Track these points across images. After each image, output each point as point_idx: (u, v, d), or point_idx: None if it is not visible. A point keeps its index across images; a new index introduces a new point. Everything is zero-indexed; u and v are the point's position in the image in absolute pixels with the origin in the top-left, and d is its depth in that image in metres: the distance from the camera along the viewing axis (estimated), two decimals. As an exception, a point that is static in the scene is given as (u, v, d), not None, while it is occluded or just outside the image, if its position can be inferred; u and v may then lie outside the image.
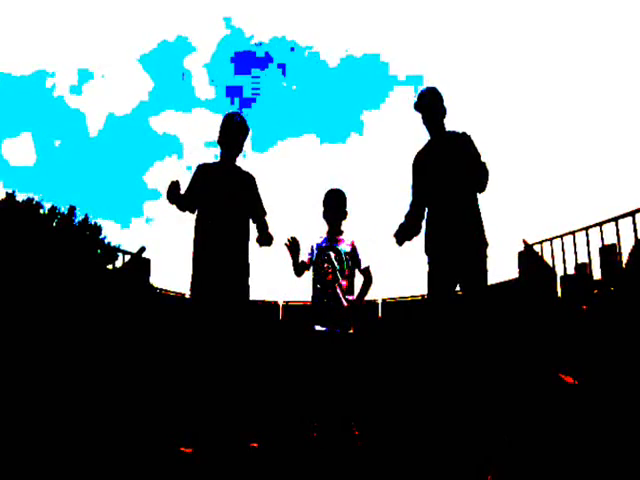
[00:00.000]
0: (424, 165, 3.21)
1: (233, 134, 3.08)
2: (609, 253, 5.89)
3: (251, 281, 3.06)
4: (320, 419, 3.04)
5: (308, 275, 3.29)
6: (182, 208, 3.02)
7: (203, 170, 3.10)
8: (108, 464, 2.40)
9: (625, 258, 5.67)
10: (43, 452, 2.54)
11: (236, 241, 3.01)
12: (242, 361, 2.91)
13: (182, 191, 2.97)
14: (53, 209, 21.29)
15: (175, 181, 2.89)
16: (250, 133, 3.15)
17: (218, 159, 3.15)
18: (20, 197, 20.50)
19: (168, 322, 6.38)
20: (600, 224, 6.06)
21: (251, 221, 3.15)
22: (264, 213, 3.18)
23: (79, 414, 3.38)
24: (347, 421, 3.01)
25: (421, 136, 3.29)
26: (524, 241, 7.92)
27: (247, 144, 3.16)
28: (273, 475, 2.43)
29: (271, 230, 3.20)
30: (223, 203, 2.99)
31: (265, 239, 3.15)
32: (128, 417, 3.45)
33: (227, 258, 2.94)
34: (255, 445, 2.81)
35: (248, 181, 3.15)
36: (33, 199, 20.71)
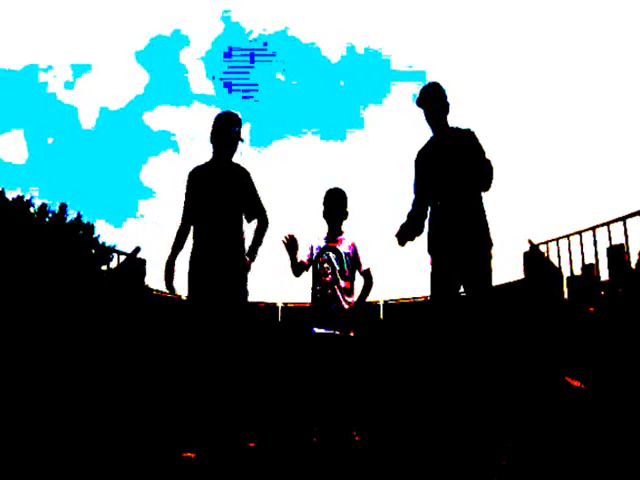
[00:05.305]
0: (427, 162, 3.14)
1: (229, 133, 2.99)
2: (617, 253, 5.78)
3: (250, 282, 3.00)
4: (320, 423, 2.98)
5: (308, 276, 3.23)
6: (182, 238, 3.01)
7: (193, 177, 3.03)
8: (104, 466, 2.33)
9: (633, 258, 5.58)
10: (44, 458, 2.49)
11: (232, 244, 2.93)
12: (240, 363, 2.84)
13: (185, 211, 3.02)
14: (43, 207, 20.83)
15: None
16: (247, 127, 3.10)
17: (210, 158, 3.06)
18: (10, 195, 20.01)
19: (165, 324, 6.33)
20: (608, 223, 5.94)
21: (247, 220, 3.04)
22: (263, 211, 3.05)
23: (71, 421, 3.32)
24: (347, 425, 2.95)
25: (424, 133, 3.22)
26: (529, 241, 7.81)
27: (245, 140, 3.08)
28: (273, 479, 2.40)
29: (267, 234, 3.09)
30: (216, 206, 2.91)
31: (257, 240, 3.04)
32: (121, 423, 3.39)
33: (224, 262, 2.86)
34: (252, 445, 2.78)
35: (243, 178, 3.03)
36: (23, 197, 20.33)
